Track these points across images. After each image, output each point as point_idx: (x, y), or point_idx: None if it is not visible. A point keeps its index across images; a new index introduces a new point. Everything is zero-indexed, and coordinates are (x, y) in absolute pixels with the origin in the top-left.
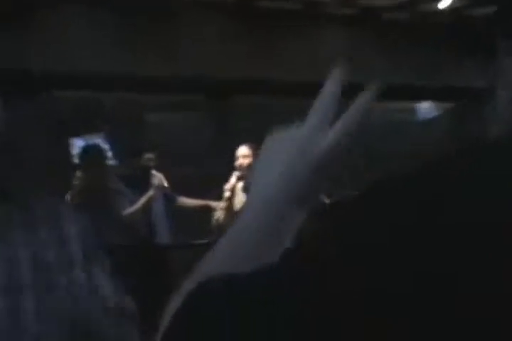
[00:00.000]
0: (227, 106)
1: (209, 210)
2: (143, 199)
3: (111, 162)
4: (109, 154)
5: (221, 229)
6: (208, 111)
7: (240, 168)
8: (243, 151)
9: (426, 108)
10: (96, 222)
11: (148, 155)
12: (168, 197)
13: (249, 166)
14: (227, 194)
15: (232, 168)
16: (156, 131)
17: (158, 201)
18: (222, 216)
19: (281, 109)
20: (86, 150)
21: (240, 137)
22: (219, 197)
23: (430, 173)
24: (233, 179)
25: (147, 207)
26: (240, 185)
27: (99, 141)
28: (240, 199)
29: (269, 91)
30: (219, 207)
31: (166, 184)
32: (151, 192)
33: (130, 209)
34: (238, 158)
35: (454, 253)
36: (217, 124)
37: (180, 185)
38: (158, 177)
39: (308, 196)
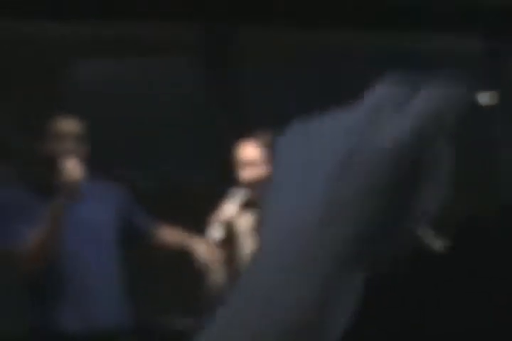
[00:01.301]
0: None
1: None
2: (45, 221)
3: None
4: None
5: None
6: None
7: (246, 184)
8: (249, 153)
9: None
10: None
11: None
12: (128, 228)
13: (260, 180)
14: (216, 234)
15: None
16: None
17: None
18: (220, 276)
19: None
20: None
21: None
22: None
23: None
24: (231, 205)
25: (55, 238)
26: (247, 219)
27: None
28: (248, 245)
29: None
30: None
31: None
32: (59, 204)
33: (27, 243)
34: (241, 164)
35: None
36: (209, 84)
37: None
38: (73, 170)
39: (376, 233)
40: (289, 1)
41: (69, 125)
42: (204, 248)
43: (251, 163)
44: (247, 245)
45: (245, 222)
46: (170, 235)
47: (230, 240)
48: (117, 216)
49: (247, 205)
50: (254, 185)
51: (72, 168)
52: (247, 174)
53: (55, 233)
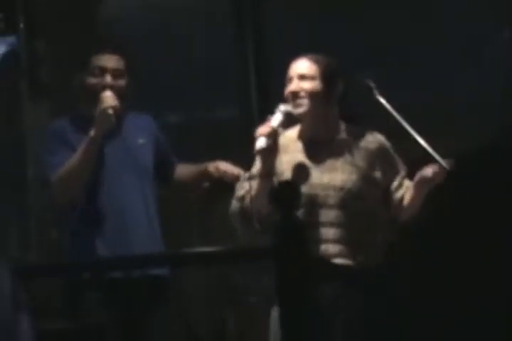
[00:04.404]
0: None
1: (221, 182)
2: (79, 150)
3: None
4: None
5: (248, 219)
6: None
7: (293, 96)
8: (302, 67)
9: None
10: None
11: (106, 62)
12: (162, 163)
13: (314, 96)
14: (261, 142)
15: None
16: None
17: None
18: (251, 193)
19: None
20: None
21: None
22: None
23: None
24: (277, 116)
25: (86, 165)
26: (293, 132)
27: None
28: (289, 159)
29: None
30: (247, 175)
31: (111, 111)
32: (91, 132)
33: (59, 171)
34: (291, 79)
35: None
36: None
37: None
38: (109, 98)
39: None
40: None
41: (109, 60)
42: (224, 163)
43: (300, 76)
44: (285, 160)
45: (286, 138)
46: (187, 168)
47: (272, 152)
48: (152, 144)
49: (290, 120)
50: (299, 99)
51: (109, 97)
52: (293, 88)
53: (88, 163)
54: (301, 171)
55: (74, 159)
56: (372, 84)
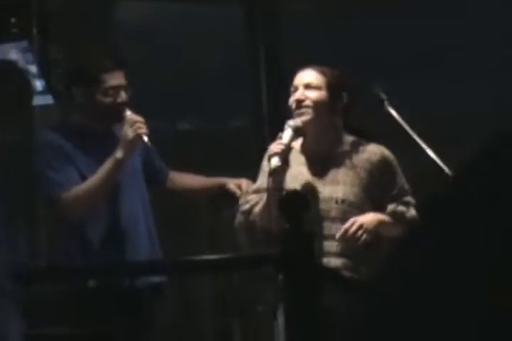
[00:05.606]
0: None
1: (229, 198)
2: (102, 169)
3: (42, 99)
4: (38, 83)
5: (254, 233)
6: None
7: (297, 105)
8: (308, 76)
9: None
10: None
11: (117, 79)
12: (150, 171)
13: (319, 106)
14: (276, 161)
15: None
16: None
17: (133, 176)
18: (258, 207)
19: None
20: None
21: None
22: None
23: None
24: (287, 132)
25: (108, 185)
26: (296, 145)
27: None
28: (292, 172)
29: None
30: (250, 190)
31: (146, 139)
32: (119, 154)
33: (77, 189)
34: (296, 88)
35: None
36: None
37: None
38: (135, 122)
39: None
40: None
41: (119, 78)
42: (235, 181)
43: (306, 86)
44: (288, 173)
45: (295, 151)
46: (194, 179)
47: (283, 168)
48: (139, 150)
49: (299, 133)
50: (307, 110)
51: (141, 121)
52: (298, 96)
53: (110, 182)
54: (302, 184)
55: (95, 179)
56: (384, 96)
